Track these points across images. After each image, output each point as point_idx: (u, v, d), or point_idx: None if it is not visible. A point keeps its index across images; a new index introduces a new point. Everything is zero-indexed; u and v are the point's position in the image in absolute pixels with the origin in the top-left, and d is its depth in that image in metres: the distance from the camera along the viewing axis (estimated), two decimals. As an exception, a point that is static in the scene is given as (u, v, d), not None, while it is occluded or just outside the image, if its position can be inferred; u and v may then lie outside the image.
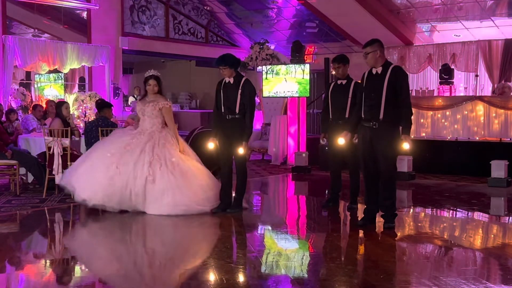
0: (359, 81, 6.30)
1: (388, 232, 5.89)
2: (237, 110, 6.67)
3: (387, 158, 5.87)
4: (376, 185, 6.04)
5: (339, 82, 7.07)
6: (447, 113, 10.67)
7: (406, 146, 5.77)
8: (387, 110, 5.81)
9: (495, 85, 12.66)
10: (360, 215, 6.86)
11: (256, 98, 15.33)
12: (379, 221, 6.11)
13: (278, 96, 11.68)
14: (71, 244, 5.88)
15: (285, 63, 12.43)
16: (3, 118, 9.88)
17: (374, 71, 5.98)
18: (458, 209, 7.41)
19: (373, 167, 5.98)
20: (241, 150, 6.65)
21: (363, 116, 6.00)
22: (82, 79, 14.07)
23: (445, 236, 6.08)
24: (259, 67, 14.11)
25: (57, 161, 7.79)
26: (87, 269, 5.06)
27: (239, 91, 6.69)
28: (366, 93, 5.99)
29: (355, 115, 6.20)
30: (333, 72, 7.33)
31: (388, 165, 5.89)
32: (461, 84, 13.72)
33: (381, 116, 5.83)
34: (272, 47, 14.78)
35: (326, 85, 8.31)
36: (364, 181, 6.16)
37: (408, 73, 6.17)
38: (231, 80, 6.80)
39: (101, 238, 6.16)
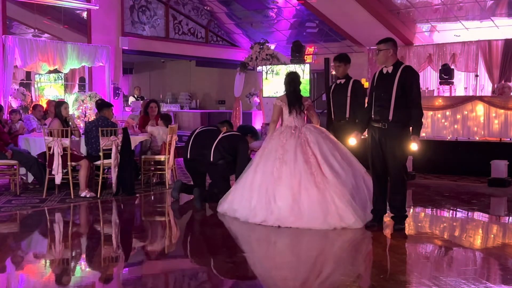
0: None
1: (388, 232, 5.89)
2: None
3: (396, 159, 5.82)
4: (384, 185, 6.01)
5: (338, 81, 7.08)
6: (447, 113, 10.66)
7: (414, 147, 5.74)
8: (397, 111, 5.74)
9: (495, 85, 12.67)
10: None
11: (256, 98, 15.51)
12: (385, 222, 6.11)
13: (278, 96, 11.66)
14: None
15: (285, 63, 12.45)
16: (7, 118, 9.90)
17: (384, 71, 5.89)
18: (458, 209, 7.40)
19: (381, 167, 5.94)
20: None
21: (372, 116, 5.93)
22: (82, 79, 14.06)
23: (445, 236, 6.07)
24: (259, 67, 14.12)
25: (57, 161, 7.78)
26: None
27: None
28: (376, 93, 5.90)
29: (365, 115, 6.11)
30: (333, 72, 7.34)
31: (398, 166, 5.84)
32: (461, 84, 13.72)
33: (390, 117, 5.76)
34: (272, 47, 14.78)
35: (327, 87, 8.31)
36: (372, 182, 6.11)
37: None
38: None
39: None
